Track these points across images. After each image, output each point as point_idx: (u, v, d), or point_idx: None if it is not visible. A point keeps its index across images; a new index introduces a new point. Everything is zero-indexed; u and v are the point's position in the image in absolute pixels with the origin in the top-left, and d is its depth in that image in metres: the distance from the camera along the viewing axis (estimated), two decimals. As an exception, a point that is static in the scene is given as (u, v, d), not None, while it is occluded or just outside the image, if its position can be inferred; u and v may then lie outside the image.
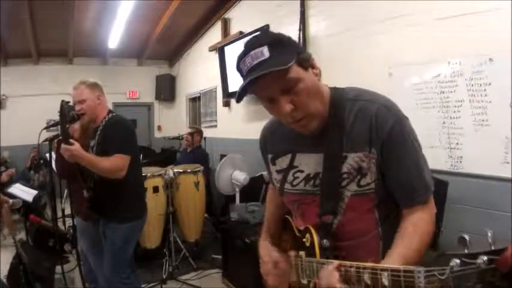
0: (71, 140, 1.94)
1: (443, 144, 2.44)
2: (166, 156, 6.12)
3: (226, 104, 5.80)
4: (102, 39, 6.45)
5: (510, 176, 2.06)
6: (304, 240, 1.01)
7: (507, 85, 2.07)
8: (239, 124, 5.43)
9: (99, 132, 2.14)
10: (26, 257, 2.57)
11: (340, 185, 0.96)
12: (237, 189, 3.61)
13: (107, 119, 2.16)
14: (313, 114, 0.93)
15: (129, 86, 8.01)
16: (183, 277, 3.28)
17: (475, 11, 2.26)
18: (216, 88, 6.12)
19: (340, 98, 0.99)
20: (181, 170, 3.76)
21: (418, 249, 0.88)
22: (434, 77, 2.50)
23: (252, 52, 0.87)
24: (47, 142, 2.36)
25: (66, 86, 6.86)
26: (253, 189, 3.86)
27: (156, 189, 3.45)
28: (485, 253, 0.54)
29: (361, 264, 0.78)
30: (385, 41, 2.92)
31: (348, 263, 0.82)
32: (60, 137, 2.05)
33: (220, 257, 3.30)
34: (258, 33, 0.99)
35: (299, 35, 3.82)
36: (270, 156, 1.15)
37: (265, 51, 0.86)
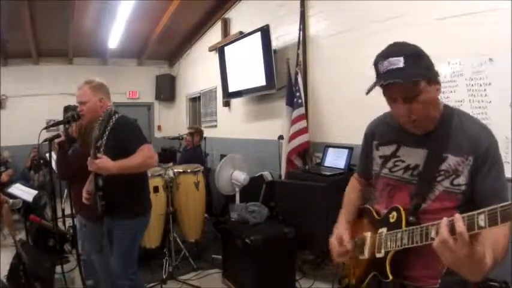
0: (99, 155, 1.95)
1: (443, 144, 2.44)
2: (166, 156, 6.12)
3: (226, 104, 5.81)
4: (102, 39, 6.45)
5: (510, 176, 2.06)
6: (389, 216, 1.18)
7: (507, 85, 2.07)
8: (239, 124, 5.44)
9: (107, 132, 2.12)
10: (26, 257, 2.57)
11: (435, 179, 1.12)
12: (237, 189, 3.61)
13: (114, 119, 2.15)
14: (428, 120, 1.12)
15: (129, 86, 8.01)
16: (183, 277, 3.27)
17: (475, 11, 2.26)
18: (216, 88, 6.12)
19: (450, 112, 1.16)
20: (181, 170, 3.76)
21: (497, 256, 0.96)
22: (434, 77, 2.50)
23: (391, 59, 1.06)
24: (47, 142, 2.36)
25: (66, 86, 6.96)
26: (253, 189, 3.86)
27: (156, 189, 3.45)
28: None
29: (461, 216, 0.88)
30: (385, 41, 2.91)
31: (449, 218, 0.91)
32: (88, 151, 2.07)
33: (220, 257, 3.30)
34: (398, 42, 1.16)
35: (299, 35, 3.83)
36: (375, 142, 1.32)
37: (401, 61, 1.04)
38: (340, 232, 1.30)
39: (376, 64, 1.12)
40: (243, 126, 5.34)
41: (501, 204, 0.81)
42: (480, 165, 1.08)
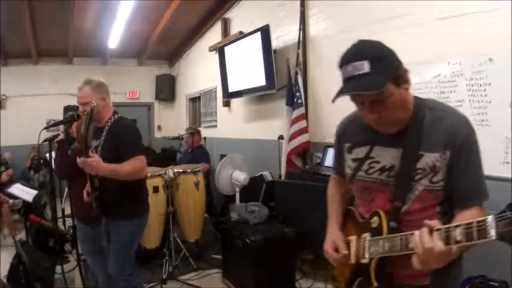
0: (91, 154, 1.93)
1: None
2: (166, 156, 6.12)
3: (226, 104, 5.80)
4: (102, 39, 6.45)
5: (510, 176, 2.06)
6: (371, 221, 1.16)
7: (507, 85, 2.07)
8: (239, 124, 5.44)
9: (104, 133, 2.13)
10: (26, 257, 2.57)
11: (413, 179, 1.09)
12: (237, 189, 3.61)
13: (112, 120, 2.16)
14: (398, 121, 1.08)
15: (129, 86, 8.01)
16: (183, 277, 3.27)
17: (475, 11, 2.26)
18: (216, 88, 6.12)
19: (422, 107, 1.11)
20: (181, 170, 3.76)
21: None
22: (435, 77, 2.50)
23: (355, 63, 1.00)
24: (47, 142, 2.36)
25: (66, 86, 6.96)
26: (253, 189, 3.86)
27: (156, 189, 3.45)
28: None
29: (440, 226, 0.92)
30: (385, 41, 2.91)
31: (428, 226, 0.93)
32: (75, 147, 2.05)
33: (220, 257, 3.30)
34: (362, 42, 1.10)
35: (299, 35, 3.83)
36: (347, 145, 1.27)
37: (365, 66, 0.99)
38: (335, 239, 1.28)
39: (340, 67, 1.06)
40: (243, 126, 5.34)
41: (477, 219, 0.82)
42: (457, 158, 1.05)
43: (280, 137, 3.93)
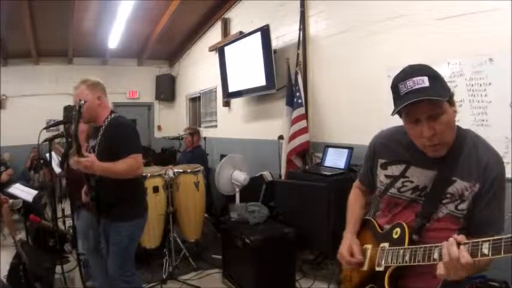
0: (86, 153, 1.93)
1: (443, 144, 2.44)
2: (166, 156, 6.12)
3: (226, 104, 5.81)
4: (102, 39, 6.45)
5: (510, 176, 2.05)
6: (392, 232, 1.19)
7: (507, 85, 2.07)
8: (239, 124, 5.44)
9: (101, 132, 2.13)
10: (26, 257, 2.57)
11: (441, 201, 1.13)
12: (237, 189, 3.61)
13: (109, 119, 2.15)
14: (447, 143, 1.10)
15: (129, 86, 8.01)
16: (183, 277, 3.27)
17: (475, 11, 2.26)
18: (216, 88, 6.12)
19: (464, 135, 1.15)
20: (181, 170, 3.76)
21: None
22: (434, 77, 2.50)
23: (415, 78, 1.04)
24: (47, 142, 2.37)
25: (66, 86, 6.96)
26: (253, 189, 3.86)
27: (156, 189, 3.44)
28: None
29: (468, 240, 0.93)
30: (385, 41, 2.92)
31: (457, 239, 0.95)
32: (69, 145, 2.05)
33: (220, 257, 3.30)
34: (414, 65, 1.13)
35: (299, 35, 3.83)
36: (382, 161, 1.30)
37: (425, 81, 1.03)
38: (351, 243, 1.30)
39: (396, 85, 1.09)
40: (243, 127, 5.34)
41: (506, 236, 0.84)
42: (484, 193, 1.09)
43: (280, 137, 3.93)
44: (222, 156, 4.28)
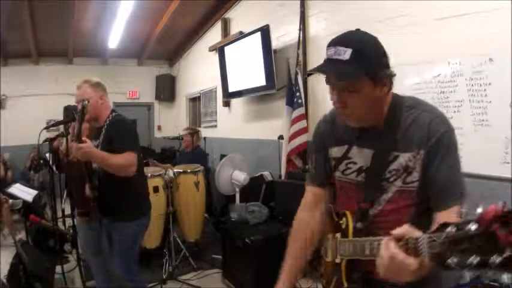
0: (83, 138, 1.92)
1: (443, 144, 2.44)
2: (166, 156, 6.12)
3: (226, 104, 5.80)
4: (102, 39, 6.45)
5: (510, 176, 2.06)
6: (341, 222, 1.14)
7: (507, 85, 2.07)
8: (239, 124, 5.44)
9: (103, 131, 2.13)
10: (26, 257, 2.57)
11: (387, 180, 1.06)
12: (237, 189, 3.61)
13: (110, 118, 2.16)
14: (360, 119, 1.06)
15: (129, 86, 8.01)
16: (183, 277, 3.27)
17: (475, 11, 2.26)
18: (216, 88, 6.12)
19: (398, 105, 1.08)
20: (181, 170, 3.76)
21: None
22: (435, 77, 2.50)
23: (339, 48, 0.99)
24: (47, 142, 2.36)
25: (66, 86, 6.97)
26: (253, 189, 3.86)
27: (156, 189, 3.44)
28: (476, 220, 0.59)
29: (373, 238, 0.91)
30: (385, 41, 2.91)
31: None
32: (71, 138, 2.04)
33: (220, 257, 3.30)
34: (356, 32, 1.06)
35: (299, 35, 3.83)
36: (328, 143, 1.22)
37: (347, 53, 0.97)
38: None
39: (327, 46, 1.04)
40: (243, 126, 5.33)
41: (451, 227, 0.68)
42: (433, 154, 1.00)
43: (280, 137, 3.93)
44: (222, 156, 4.28)
